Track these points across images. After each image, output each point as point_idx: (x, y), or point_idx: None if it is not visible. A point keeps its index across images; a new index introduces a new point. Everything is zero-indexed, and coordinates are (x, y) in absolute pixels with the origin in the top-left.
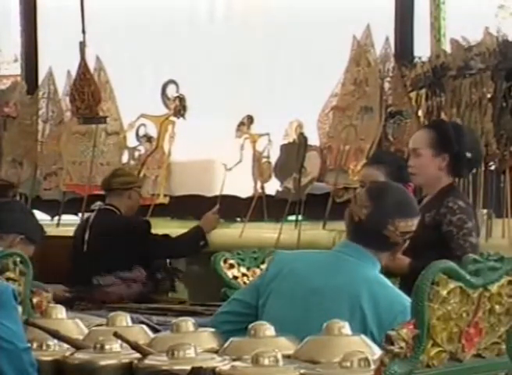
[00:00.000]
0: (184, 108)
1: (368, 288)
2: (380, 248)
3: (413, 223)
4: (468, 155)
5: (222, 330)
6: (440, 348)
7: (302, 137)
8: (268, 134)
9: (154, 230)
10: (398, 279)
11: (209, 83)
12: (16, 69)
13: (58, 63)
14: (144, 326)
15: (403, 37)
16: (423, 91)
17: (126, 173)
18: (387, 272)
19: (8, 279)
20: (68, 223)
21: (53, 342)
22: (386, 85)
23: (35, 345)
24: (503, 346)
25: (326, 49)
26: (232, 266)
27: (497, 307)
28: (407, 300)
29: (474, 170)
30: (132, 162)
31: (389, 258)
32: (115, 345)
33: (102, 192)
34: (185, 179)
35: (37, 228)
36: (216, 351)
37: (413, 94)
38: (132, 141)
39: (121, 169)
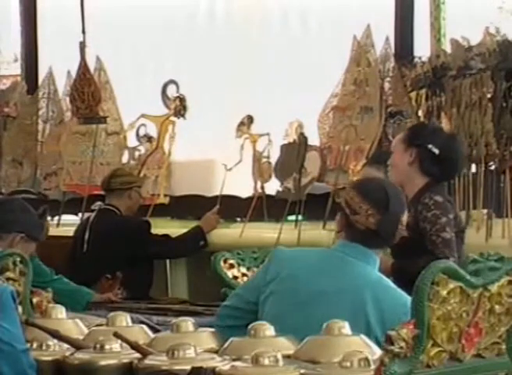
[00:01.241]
0: (184, 108)
1: (371, 291)
2: (386, 246)
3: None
4: (435, 150)
5: (225, 324)
6: (440, 348)
7: (302, 137)
8: (268, 134)
9: (154, 230)
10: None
11: (209, 84)
12: (16, 69)
13: (58, 63)
14: (144, 326)
15: (403, 37)
16: (423, 91)
17: (126, 173)
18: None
19: (8, 279)
20: (68, 223)
21: (53, 342)
22: (386, 85)
23: (35, 345)
24: (503, 346)
25: (326, 49)
26: (232, 266)
27: (497, 307)
28: (409, 300)
29: (450, 173)
30: (132, 162)
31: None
32: (115, 345)
33: (102, 192)
34: (185, 179)
35: (38, 225)
36: (216, 351)
37: (413, 94)
38: (132, 141)
39: (120, 169)
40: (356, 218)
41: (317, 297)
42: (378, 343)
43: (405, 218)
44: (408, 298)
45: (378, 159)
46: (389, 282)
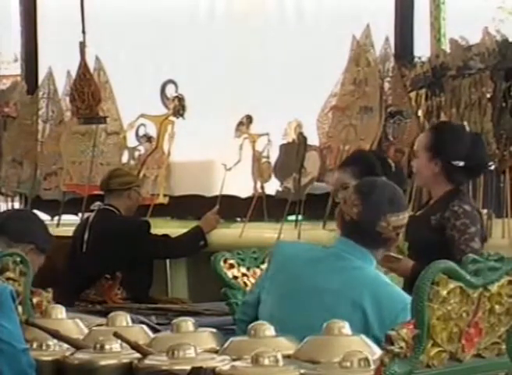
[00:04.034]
0: (183, 108)
1: (369, 288)
2: (375, 245)
3: (404, 216)
4: (460, 164)
5: (249, 318)
6: (440, 348)
7: (301, 137)
8: (267, 134)
9: (154, 230)
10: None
11: (208, 83)
12: (16, 69)
13: (58, 63)
14: (144, 326)
15: (403, 37)
16: (423, 91)
17: (124, 173)
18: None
19: (8, 279)
20: (68, 223)
21: (53, 342)
22: (386, 85)
23: (35, 345)
24: (503, 346)
25: (326, 49)
26: (232, 266)
27: (497, 307)
28: (407, 298)
29: (475, 176)
30: (132, 162)
31: (383, 254)
32: (115, 345)
33: (102, 192)
34: (185, 179)
35: (48, 237)
36: (216, 351)
37: (413, 94)
38: (132, 141)
39: (118, 169)
40: (344, 207)
41: (315, 293)
42: (375, 340)
43: (394, 219)
44: (406, 296)
45: (346, 161)
46: (387, 279)
